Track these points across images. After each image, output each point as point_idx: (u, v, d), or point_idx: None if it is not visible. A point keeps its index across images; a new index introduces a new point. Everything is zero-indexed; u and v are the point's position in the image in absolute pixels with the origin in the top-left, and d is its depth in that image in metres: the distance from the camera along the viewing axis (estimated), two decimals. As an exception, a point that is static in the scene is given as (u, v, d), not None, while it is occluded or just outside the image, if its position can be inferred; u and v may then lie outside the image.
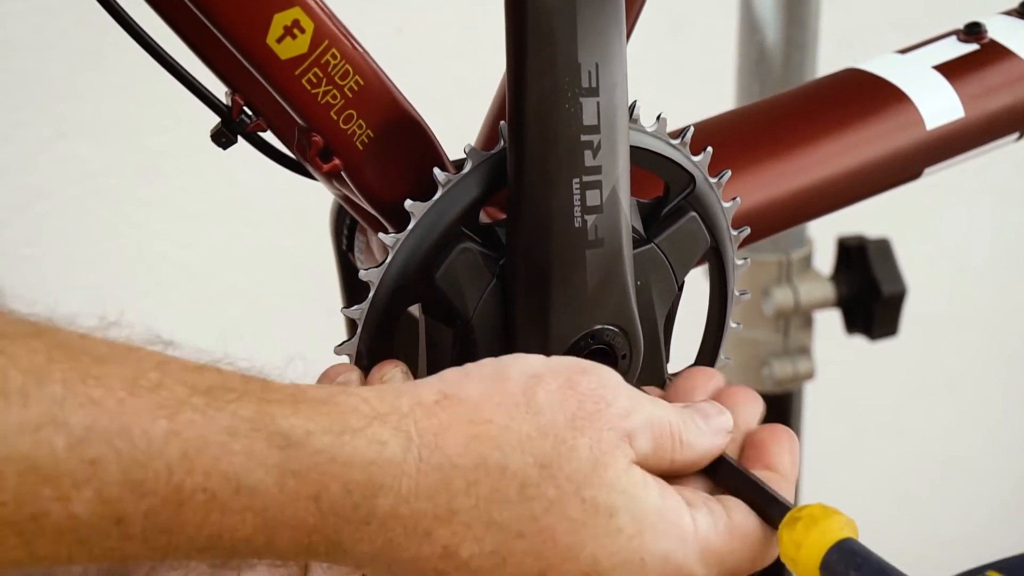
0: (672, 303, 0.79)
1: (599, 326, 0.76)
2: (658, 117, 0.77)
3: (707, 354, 0.83)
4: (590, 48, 0.72)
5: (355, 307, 0.75)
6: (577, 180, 0.73)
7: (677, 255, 0.78)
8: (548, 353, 0.74)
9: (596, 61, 0.72)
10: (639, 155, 0.77)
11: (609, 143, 0.73)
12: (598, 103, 0.73)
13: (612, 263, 0.75)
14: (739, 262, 0.82)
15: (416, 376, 0.77)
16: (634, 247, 0.77)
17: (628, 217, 0.75)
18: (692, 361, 0.83)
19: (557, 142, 0.72)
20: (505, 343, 0.75)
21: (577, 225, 0.74)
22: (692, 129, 0.78)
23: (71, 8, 1.53)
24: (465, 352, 0.75)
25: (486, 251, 0.75)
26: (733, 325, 0.83)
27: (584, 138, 0.73)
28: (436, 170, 0.74)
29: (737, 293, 0.83)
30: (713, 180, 0.79)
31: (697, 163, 0.78)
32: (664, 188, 0.78)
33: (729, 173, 0.79)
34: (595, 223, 0.74)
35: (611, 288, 0.75)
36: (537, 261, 0.74)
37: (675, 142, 0.78)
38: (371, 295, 0.75)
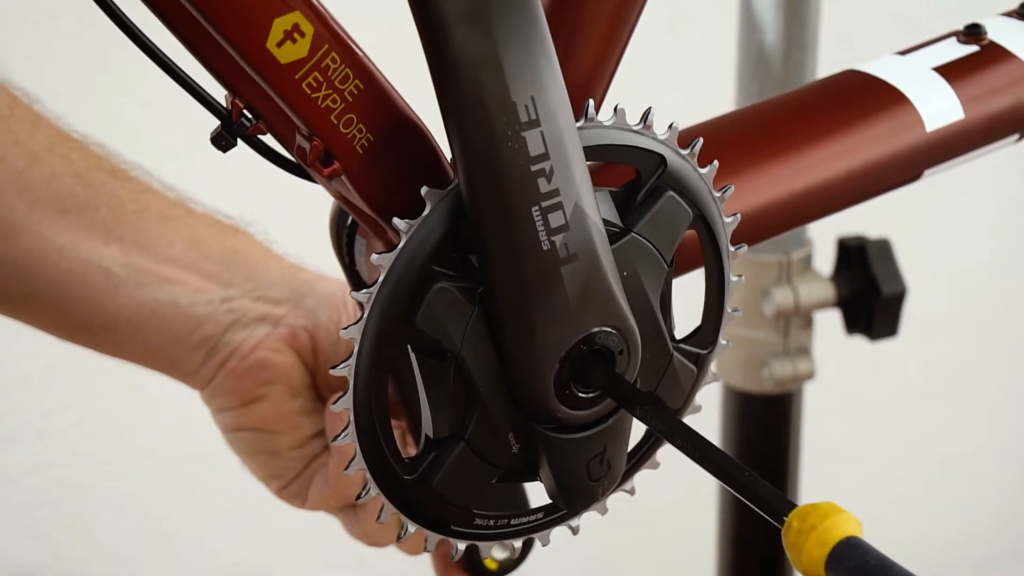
0: (665, 280, 0.77)
1: (590, 331, 0.75)
2: (615, 108, 0.75)
3: (713, 307, 0.81)
4: (522, 86, 0.70)
5: (341, 364, 0.73)
6: (536, 207, 0.72)
7: (660, 236, 0.76)
8: (542, 368, 0.74)
9: (531, 95, 0.70)
10: (601, 152, 0.75)
11: (562, 164, 0.72)
12: (542, 132, 0.71)
13: (590, 271, 0.74)
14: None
15: (420, 414, 0.76)
16: (613, 241, 0.75)
17: (599, 223, 0.74)
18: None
19: (507, 179, 0.71)
20: (499, 368, 0.74)
21: (545, 248, 0.72)
22: (652, 109, 0.76)
23: (71, 8, 1.54)
24: (461, 382, 0.74)
25: (463, 284, 0.73)
26: (734, 279, 0.81)
27: (535, 168, 0.71)
28: (396, 219, 0.72)
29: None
30: (685, 151, 0.77)
31: (665, 140, 0.76)
32: (635, 172, 0.77)
33: (701, 141, 0.77)
34: (564, 241, 0.72)
35: (594, 294, 0.74)
36: (513, 288, 0.73)
37: (637, 127, 0.76)
38: (354, 351, 0.73)
